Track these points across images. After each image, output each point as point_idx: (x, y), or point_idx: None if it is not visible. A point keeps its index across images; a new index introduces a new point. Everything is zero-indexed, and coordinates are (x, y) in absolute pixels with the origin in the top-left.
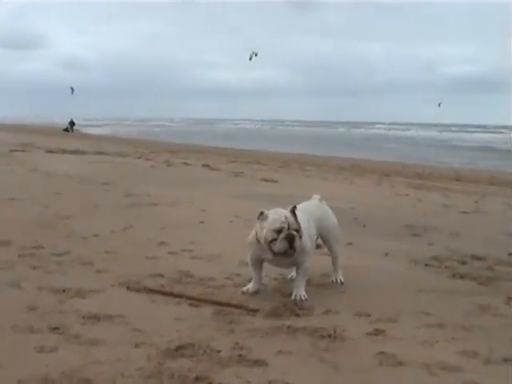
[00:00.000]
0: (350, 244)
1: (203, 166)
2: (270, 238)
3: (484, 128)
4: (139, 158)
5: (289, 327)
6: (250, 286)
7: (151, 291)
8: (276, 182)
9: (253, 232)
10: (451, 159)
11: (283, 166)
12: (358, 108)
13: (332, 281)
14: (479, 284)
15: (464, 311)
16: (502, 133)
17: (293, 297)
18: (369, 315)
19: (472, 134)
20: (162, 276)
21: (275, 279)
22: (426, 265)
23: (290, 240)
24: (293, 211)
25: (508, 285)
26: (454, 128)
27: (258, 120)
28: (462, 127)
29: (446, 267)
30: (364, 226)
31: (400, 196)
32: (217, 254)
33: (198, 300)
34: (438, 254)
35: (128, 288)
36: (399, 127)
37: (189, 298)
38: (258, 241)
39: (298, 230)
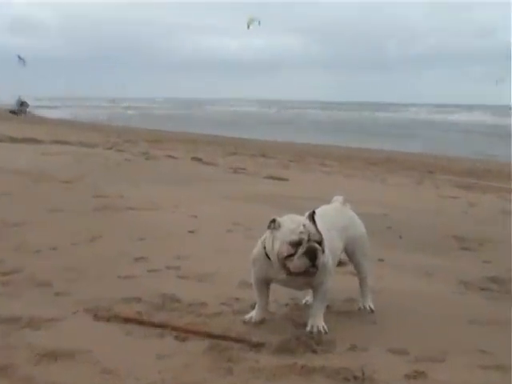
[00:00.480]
0: (381, 260)
1: (193, 159)
2: (285, 254)
3: None
4: (110, 148)
5: (303, 367)
6: (254, 314)
7: (126, 320)
8: (286, 180)
9: (259, 245)
10: None
11: (295, 159)
12: (388, 86)
13: (359, 308)
14: None
15: None
16: None
17: (308, 328)
18: (406, 353)
19: None
20: (139, 300)
21: (286, 305)
22: (482, 289)
23: (312, 255)
24: (312, 217)
25: None
26: None
27: (261, 101)
28: None
29: (507, 292)
30: (400, 237)
31: (446, 199)
32: (210, 273)
33: (187, 332)
34: (496, 275)
35: (95, 316)
36: (442, 110)
37: (174, 328)
38: (267, 256)
39: (321, 243)
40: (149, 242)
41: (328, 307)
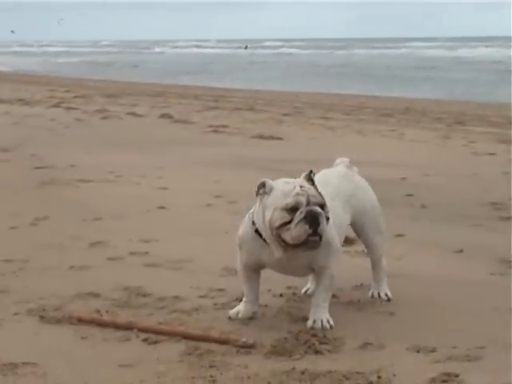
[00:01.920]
0: (400, 236)
1: (162, 116)
2: (279, 221)
3: None
4: (56, 106)
5: (304, 372)
6: (242, 309)
7: (81, 321)
8: (280, 139)
9: (246, 221)
10: None
11: (291, 113)
12: (392, 17)
13: (372, 296)
14: None
15: None
16: None
17: (310, 323)
18: (433, 350)
19: None
20: (97, 296)
21: (281, 295)
22: None
23: (313, 221)
24: (309, 178)
25: None
26: None
27: (229, 40)
28: None
29: None
30: (423, 206)
31: (481, 156)
32: (186, 259)
33: (158, 333)
34: None
35: (42, 318)
36: (463, 44)
37: (142, 329)
38: (258, 234)
39: (323, 206)
40: (107, 222)
41: (334, 296)
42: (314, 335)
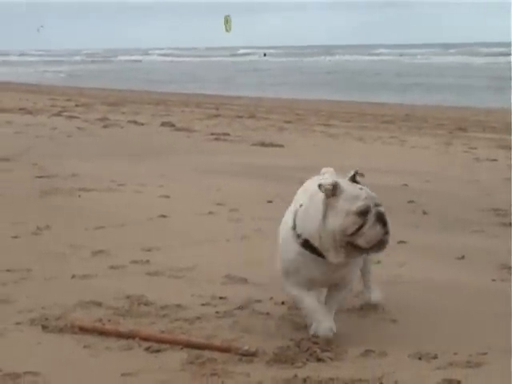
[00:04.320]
0: (402, 242)
1: (164, 124)
2: (353, 227)
3: None
4: (58, 115)
5: (306, 380)
6: (318, 326)
7: (83, 330)
8: (281, 146)
9: (287, 238)
10: None
11: (293, 120)
12: (388, 22)
13: (361, 305)
14: None
15: None
16: None
17: (312, 330)
18: (435, 357)
19: None
20: (99, 305)
21: (282, 303)
22: None
23: (384, 220)
24: (354, 179)
25: None
26: None
27: (213, 48)
28: None
29: None
30: (425, 212)
31: (483, 162)
32: (188, 267)
33: (160, 341)
34: None
35: (44, 327)
36: (454, 51)
37: (144, 338)
38: (305, 246)
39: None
40: (109, 231)
41: None
42: (316, 343)
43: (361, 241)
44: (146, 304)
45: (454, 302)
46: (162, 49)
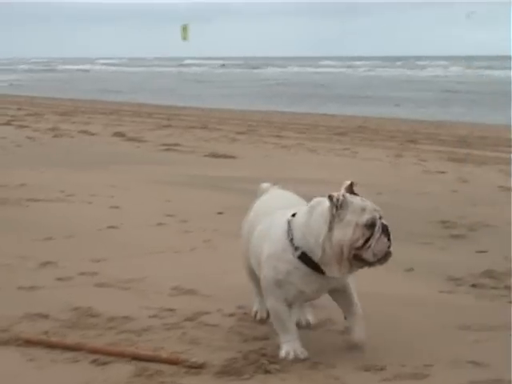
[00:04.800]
0: None
1: (115, 134)
2: (362, 240)
3: None
4: (7, 124)
5: None
6: (293, 349)
7: (28, 343)
8: (233, 157)
9: (279, 252)
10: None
11: (245, 131)
12: (341, 32)
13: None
14: None
15: None
16: None
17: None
18: (381, 369)
19: None
20: (46, 317)
21: (231, 315)
22: (474, 285)
23: (388, 232)
24: (352, 190)
25: None
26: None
27: (162, 58)
28: None
29: (507, 288)
30: None
31: (432, 175)
32: (136, 279)
33: (107, 354)
34: (492, 268)
35: None
36: (412, 64)
37: (91, 350)
38: (301, 258)
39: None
40: (57, 242)
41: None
42: (264, 355)
43: (367, 254)
44: (93, 316)
45: (402, 314)
46: (110, 58)
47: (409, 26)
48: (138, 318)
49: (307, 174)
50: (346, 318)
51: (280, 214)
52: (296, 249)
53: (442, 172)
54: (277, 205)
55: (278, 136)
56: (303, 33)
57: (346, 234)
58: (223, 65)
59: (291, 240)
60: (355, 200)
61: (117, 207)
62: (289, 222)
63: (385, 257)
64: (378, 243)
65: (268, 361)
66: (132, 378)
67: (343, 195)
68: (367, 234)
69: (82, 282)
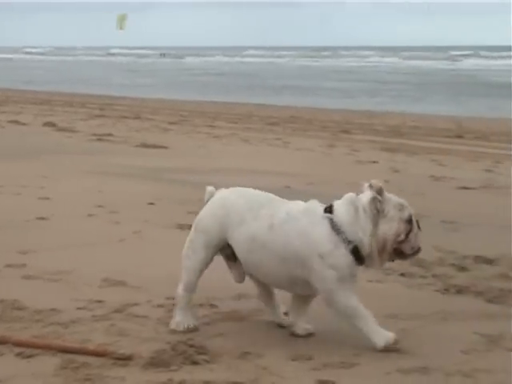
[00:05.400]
0: None
1: (46, 124)
2: (404, 233)
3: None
4: None
5: (181, 383)
6: (381, 337)
7: None
8: (165, 147)
9: (334, 249)
10: (451, 105)
11: (178, 121)
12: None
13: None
14: (487, 301)
15: (462, 346)
16: None
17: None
18: (310, 358)
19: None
20: None
21: (159, 306)
22: (402, 274)
23: (420, 228)
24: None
25: None
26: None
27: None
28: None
29: (435, 276)
30: None
31: (365, 164)
32: (65, 270)
33: (32, 346)
34: (421, 257)
35: None
36: (339, 54)
37: (16, 343)
38: (353, 252)
39: None
40: None
41: (213, 307)
42: (192, 345)
43: (407, 247)
44: (19, 309)
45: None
46: (36, 47)
47: (338, 16)
48: (65, 310)
49: (240, 164)
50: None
51: (292, 209)
52: (349, 242)
53: (375, 162)
54: (258, 199)
55: (209, 126)
56: (227, 23)
57: (391, 228)
58: (163, 54)
59: (341, 235)
60: (393, 197)
61: (47, 198)
62: (331, 219)
63: (418, 250)
64: (416, 237)
65: (196, 351)
66: (58, 371)
67: (382, 191)
68: (408, 228)
69: (9, 274)
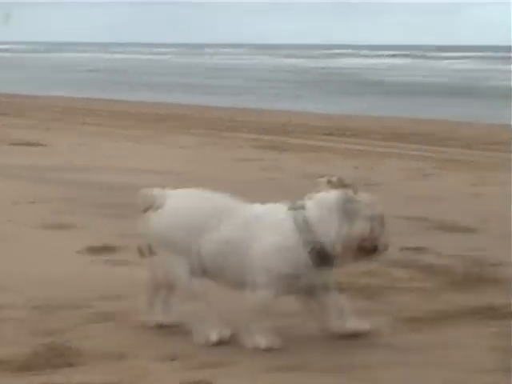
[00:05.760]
0: None
1: None
2: (369, 232)
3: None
4: None
5: None
6: (266, 340)
7: None
8: (43, 145)
9: (284, 236)
10: (333, 103)
11: (60, 118)
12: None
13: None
14: (366, 299)
15: (339, 343)
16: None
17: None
18: (187, 357)
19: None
20: None
21: (28, 308)
22: None
23: (385, 224)
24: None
25: (402, 298)
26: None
27: None
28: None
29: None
30: None
31: (248, 162)
32: None
33: None
34: None
35: None
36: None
37: None
38: (319, 253)
39: None
40: None
41: (80, 308)
42: (69, 348)
43: (372, 245)
44: None
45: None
46: None
47: (210, 14)
48: None
49: (112, 162)
50: None
51: (259, 208)
52: (308, 243)
53: (247, 160)
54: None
55: (84, 123)
56: (95, 19)
57: (358, 226)
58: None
59: (303, 234)
60: (363, 195)
61: None
62: (295, 217)
63: (385, 247)
64: (382, 234)
65: (72, 354)
66: None
67: (349, 190)
68: (375, 225)
69: None
